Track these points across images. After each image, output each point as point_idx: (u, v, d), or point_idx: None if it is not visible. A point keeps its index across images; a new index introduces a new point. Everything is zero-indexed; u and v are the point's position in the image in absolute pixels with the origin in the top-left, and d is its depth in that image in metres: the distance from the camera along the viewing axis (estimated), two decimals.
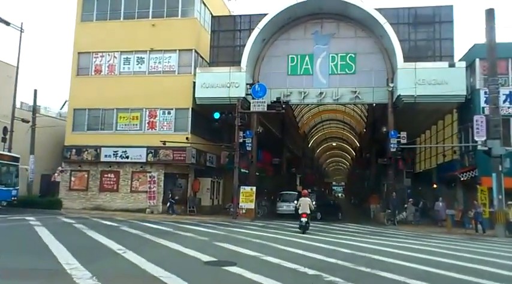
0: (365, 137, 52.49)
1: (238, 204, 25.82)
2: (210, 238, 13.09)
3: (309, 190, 27.66)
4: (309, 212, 16.67)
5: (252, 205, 26.04)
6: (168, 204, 25.15)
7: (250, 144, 26.16)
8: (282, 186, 40.05)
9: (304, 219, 16.41)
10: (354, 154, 79.32)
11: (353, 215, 35.01)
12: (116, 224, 17.02)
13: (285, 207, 28.09)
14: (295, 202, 27.33)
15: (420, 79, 23.67)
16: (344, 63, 26.97)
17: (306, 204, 16.85)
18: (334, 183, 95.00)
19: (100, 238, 11.98)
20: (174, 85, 26.78)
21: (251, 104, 25.02)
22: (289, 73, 27.53)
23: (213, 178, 29.83)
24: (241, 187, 26.68)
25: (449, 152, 27.20)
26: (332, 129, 70.68)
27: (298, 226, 16.69)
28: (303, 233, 16.13)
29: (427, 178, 32.91)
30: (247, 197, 26.24)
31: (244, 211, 25.92)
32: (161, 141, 24.20)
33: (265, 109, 24.65)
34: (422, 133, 34.49)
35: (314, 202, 20.49)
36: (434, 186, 31.16)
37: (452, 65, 23.79)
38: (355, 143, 73.35)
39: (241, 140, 26.07)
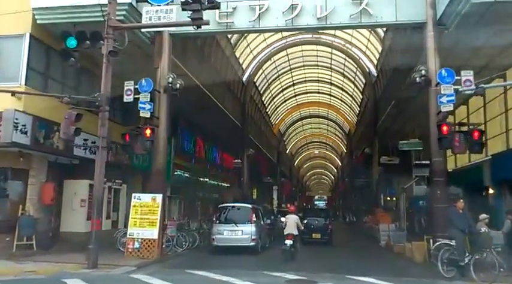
0: (358, 130, 39.60)
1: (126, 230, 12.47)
2: None
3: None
4: (296, 233, 13.31)
5: (153, 233, 12.44)
6: None
7: (149, 107, 12.64)
8: (247, 200, 26.63)
9: (289, 242, 12.88)
10: (340, 163, 66.97)
11: (349, 243, 21.67)
12: None
13: (227, 234, 14.29)
14: (251, 224, 14.69)
15: None
16: None
17: (292, 222, 13.49)
18: (316, 197, 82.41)
19: None
20: None
21: (143, 13, 11.60)
22: None
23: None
24: (134, 195, 13.15)
25: None
26: (314, 130, 58.84)
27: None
28: (287, 260, 12.33)
29: (462, 183, 19.41)
30: (143, 216, 12.67)
31: (137, 245, 12.37)
32: None
33: (172, 20, 11.16)
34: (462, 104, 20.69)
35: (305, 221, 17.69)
36: (490, 191, 18.04)
37: None
38: (341, 148, 61.35)
39: (130, 98, 12.62)
